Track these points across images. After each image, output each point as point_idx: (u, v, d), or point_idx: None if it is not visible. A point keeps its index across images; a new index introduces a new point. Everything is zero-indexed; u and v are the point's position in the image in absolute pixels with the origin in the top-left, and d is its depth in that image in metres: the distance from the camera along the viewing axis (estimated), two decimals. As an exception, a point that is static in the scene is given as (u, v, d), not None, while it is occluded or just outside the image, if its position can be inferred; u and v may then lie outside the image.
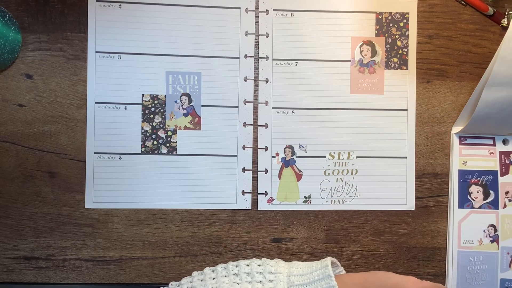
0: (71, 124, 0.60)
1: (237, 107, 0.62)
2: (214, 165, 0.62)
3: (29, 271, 0.60)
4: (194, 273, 0.51)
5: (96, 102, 0.60)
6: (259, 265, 0.49)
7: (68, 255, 0.61)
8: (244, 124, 0.62)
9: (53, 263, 0.61)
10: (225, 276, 0.49)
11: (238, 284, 0.47)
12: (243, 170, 0.62)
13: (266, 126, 0.62)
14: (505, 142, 0.64)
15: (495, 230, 0.63)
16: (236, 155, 0.62)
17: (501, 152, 0.64)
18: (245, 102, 0.62)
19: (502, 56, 0.56)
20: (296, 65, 0.62)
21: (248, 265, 0.49)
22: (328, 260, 0.48)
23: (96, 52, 0.60)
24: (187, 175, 0.61)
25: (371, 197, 0.63)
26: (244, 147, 0.62)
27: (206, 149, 0.62)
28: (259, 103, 0.62)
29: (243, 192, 0.62)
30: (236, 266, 0.49)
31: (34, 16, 0.60)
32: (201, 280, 0.49)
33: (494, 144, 0.64)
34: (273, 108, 0.62)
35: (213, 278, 0.49)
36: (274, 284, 0.47)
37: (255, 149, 0.62)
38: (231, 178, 0.62)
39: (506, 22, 0.62)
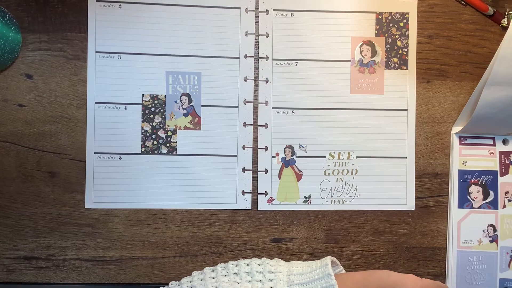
0: (71, 124, 0.60)
1: (237, 107, 0.62)
2: (214, 165, 0.62)
3: (29, 271, 0.60)
4: (194, 273, 0.51)
5: (96, 102, 0.60)
6: (259, 265, 0.49)
7: (68, 255, 0.61)
8: (244, 124, 0.62)
9: (53, 263, 0.61)
10: (225, 275, 0.49)
11: (238, 283, 0.47)
12: (243, 170, 0.62)
13: (266, 126, 0.62)
14: (505, 142, 0.64)
15: (495, 230, 0.63)
16: (236, 155, 0.62)
17: (501, 152, 0.64)
18: (245, 102, 0.62)
19: (502, 56, 0.56)
20: (296, 65, 0.62)
21: (248, 265, 0.49)
22: (328, 259, 0.48)
23: (96, 52, 0.60)
24: (187, 175, 0.61)
25: (371, 197, 0.63)
26: (244, 147, 0.62)
27: (206, 149, 0.62)
28: (259, 103, 0.62)
29: (243, 192, 0.62)
30: (236, 266, 0.50)
31: (34, 16, 0.60)
32: (201, 280, 0.49)
33: (494, 144, 0.64)
34: (273, 108, 0.62)
35: (213, 278, 0.49)
36: (274, 283, 0.47)
37: (255, 149, 0.62)
38: (231, 178, 0.62)
39: (506, 22, 0.62)
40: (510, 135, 0.64)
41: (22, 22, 0.59)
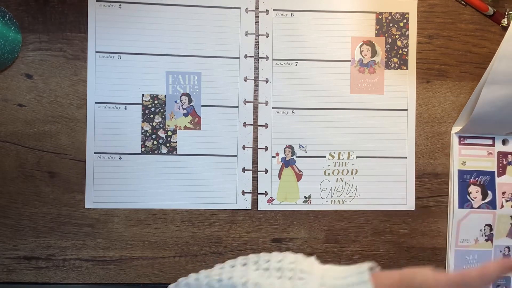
0: (71, 124, 0.60)
1: (237, 107, 0.62)
2: (214, 165, 0.62)
3: (29, 271, 0.60)
4: (227, 262, 0.51)
5: (96, 102, 0.60)
6: (291, 263, 0.48)
7: (68, 255, 0.61)
8: (244, 124, 0.62)
9: (53, 263, 0.61)
10: (256, 270, 0.48)
11: (267, 278, 0.47)
12: (243, 170, 0.62)
13: (266, 126, 0.62)
14: (504, 142, 0.64)
15: (491, 229, 0.63)
16: (236, 155, 0.62)
17: (499, 153, 0.64)
18: (245, 102, 0.62)
19: (502, 55, 0.56)
20: (296, 65, 0.62)
21: (279, 261, 0.48)
22: (366, 265, 0.48)
23: (96, 52, 0.60)
24: (187, 175, 0.61)
25: (371, 197, 0.63)
26: (244, 147, 0.62)
27: (206, 149, 0.62)
28: (259, 103, 0.62)
29: (243, 192, 0.62)
30: (267, 262, 0.49)
31: (34, 16, 0.59)
32: (232, 267, 0.49)
33: (493, 145, 0.64)
34: (273, 108, 0.62)
35: (244, 265, 0.49)
36: (304, 282, 0.46)
37: (255, 149, 0.62)
38: (231, 178, 0.62)
39: (506, 22, 0.62)
40: (509, 135, 0.64)
41: (22, 22, 0.59)
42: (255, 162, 0.62)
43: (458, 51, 0.63)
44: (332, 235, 0.63)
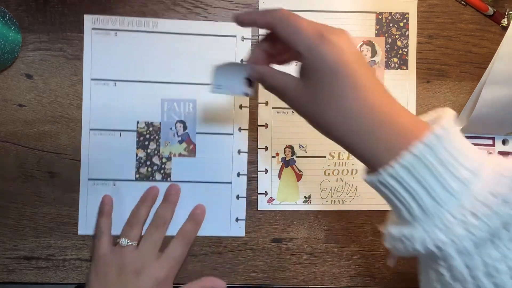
0: (71, 124, 0.60)
1: (232, 134, 0.62)
2: (208, 192, 0.61)
3: (29, 271, 0.60)
4: None
5: (91, 129, 0.60)
6: None
7: (68, 255, 0.61)
8: (239, 152, 0.62)
9: (53, 263, 0.61)
10: None
11: None
12: (237, 197, 0.62)
13: (266, 126, 0.62)
14: (504, 142, 0.64)
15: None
16: (230, 182, 0.62)
17: (499, 153, 0.64)
18: (239, 129, 0.61)
19: (502, 55, 0.56)
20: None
21: None
22: None
23: (92, 79, 0.60)
24: (181, 201, 0.61)
25: (371, 197, 0.63)
26: (238, 174, 0.62)
27: (200, 176, 0.61)
28: (259, 103, 0.62)
29: (237, 219, 0.62)
30: None
31: (34, 16, 0.59)
32: None
33: (493, 145, 0.64)
34: (273, 108, 0.62)
35: None
36: None
37: (255, 149, 0.62)
38: (225, 205, 0.61)
39: (506, 22, 0.62)
40: (509, 135, 0.64)
41: (22, 22, 0.59)
42: (255, 162, 0.62)
43: (458, 51, 0.63)
44: (332, 235, 0.63)
